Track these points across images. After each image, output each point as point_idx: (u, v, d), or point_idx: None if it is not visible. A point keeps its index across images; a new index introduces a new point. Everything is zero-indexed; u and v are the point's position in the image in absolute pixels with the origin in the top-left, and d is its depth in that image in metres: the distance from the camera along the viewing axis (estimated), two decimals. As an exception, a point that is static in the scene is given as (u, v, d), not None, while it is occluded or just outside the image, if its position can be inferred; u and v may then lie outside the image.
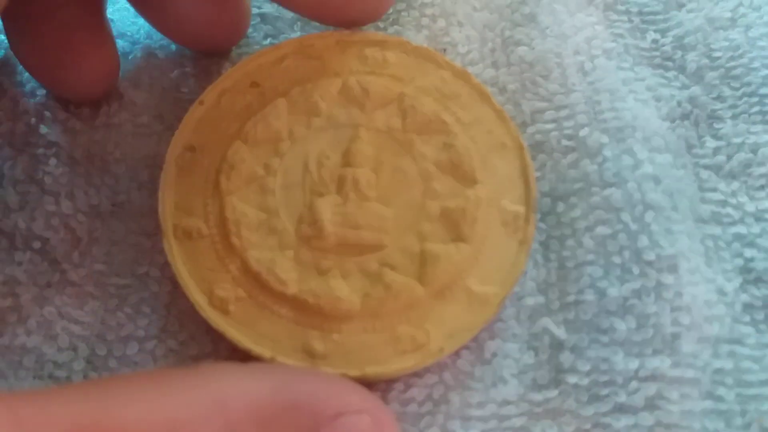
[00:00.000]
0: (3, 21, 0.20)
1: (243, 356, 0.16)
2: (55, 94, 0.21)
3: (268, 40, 0.22)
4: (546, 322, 0.18)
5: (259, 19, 0.22)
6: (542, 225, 0.19)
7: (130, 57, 0.22)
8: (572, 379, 0.17)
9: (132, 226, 0.19)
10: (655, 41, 0.22)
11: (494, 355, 0.18)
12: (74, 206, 0.19)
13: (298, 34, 0.22)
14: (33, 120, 0.20)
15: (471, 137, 0.19)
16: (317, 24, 0.22)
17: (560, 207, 0.19)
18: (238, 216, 0.18)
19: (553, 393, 0.17)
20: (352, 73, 0.20)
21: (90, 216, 0.19)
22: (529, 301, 0.18)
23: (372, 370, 0.16)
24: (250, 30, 0.22)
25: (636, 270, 0.18)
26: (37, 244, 0.19)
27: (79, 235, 0.19)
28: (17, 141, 0.20)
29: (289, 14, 0.22)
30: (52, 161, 0.20)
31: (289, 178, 0.18)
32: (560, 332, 0.18)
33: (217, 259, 0.17)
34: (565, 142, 0.20)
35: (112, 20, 0.21)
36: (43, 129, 0.20)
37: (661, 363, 0.17)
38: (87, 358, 0.18)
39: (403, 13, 0.22)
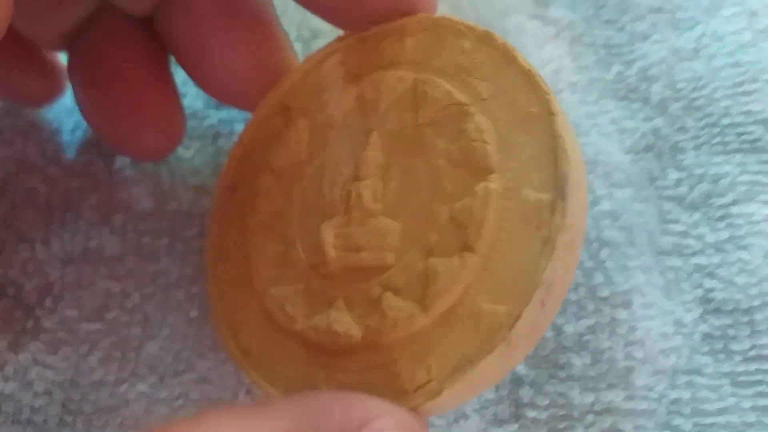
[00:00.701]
0: (69, 75, 0.21)
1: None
2: (118, 151, 0.22)
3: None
4: None
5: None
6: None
7: None
8: (531, 413, 0.18)
9: (102, 271, 0.20)
10: (619, 73, 0.23)
11: (455, 392, 0.18)
12: (48, 252, 0.20)
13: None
14: (12, 168, 0.22)
15: (490, 114, 0.16)
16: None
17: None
18: (259, 252, 0.17)
19: (513, 427, 0.18)
20: (367, 73, 0.18)
21: (63, 261, 0.20)
22: (490, 337, 0.19)
23: None
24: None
25: (591, 306, 0.19)
26: (11, 291, 0.20)
27: (51, 280, 0.20)
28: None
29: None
30: (29, 208, 0.21)
31: (306, 204, 0.17)
32: (520, 368, 0.19)
33: (242, 299, 0.17)
34: None
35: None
36: (22, 177, 0.21)
37: (615, 396, 0.18)
38: (62, 402, 0.19)
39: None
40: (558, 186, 0.14)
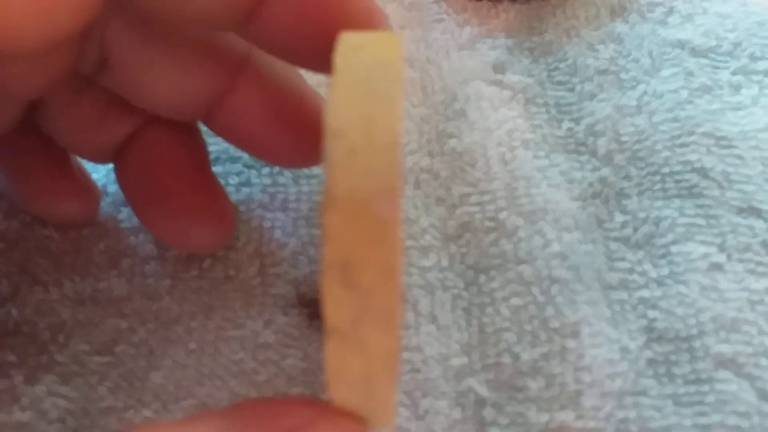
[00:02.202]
0: (118, 182, 0.23)
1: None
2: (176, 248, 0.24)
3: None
4: (471, 382, 0.22)
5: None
6: (465, 293, 0.23)
7: None
8: (494, 431, 0.21)
9: (111, 310, 0.23)
10: (570, 129, 0.26)
11: (427, 411, 0.21)
12: (61, 293, 0.23)
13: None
14: (28, 219, 0.25)
15: None
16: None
17: (482, 279, 0.23)
18: None
19: (475, 444, 0.21)
20: None
21: (74, 302, 0.23)
22: (455, 361, 0.22)
23: None
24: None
25: (544, 336, 0.22)
26: (26, 329, 0.22)
27: (64, 318, 0.23)
28: (11, 237, 0.24)
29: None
30: (43, 254, 0.24)
31: None
32: (483, 390, 0.21)
33: None
34: (487, 223, 0.24)
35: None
36: (37, 227, 0.24)
37: (566, 416, 0.21)
38: (74, 428, 0.21)
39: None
40: None
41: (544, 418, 0.21)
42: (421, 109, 0.27)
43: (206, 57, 0.21)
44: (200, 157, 0.23)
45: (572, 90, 0.27)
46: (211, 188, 0.23)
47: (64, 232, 0.24)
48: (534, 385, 0.21)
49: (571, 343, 0.22)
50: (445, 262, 0.24)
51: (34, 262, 0.24)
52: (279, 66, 0.22)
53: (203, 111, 0.22)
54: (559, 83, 0.27)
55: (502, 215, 0.24)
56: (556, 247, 0.23)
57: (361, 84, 0.15)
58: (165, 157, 0.22)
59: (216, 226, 0.23)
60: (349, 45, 0.16)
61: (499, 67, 0.28)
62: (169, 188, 0.22)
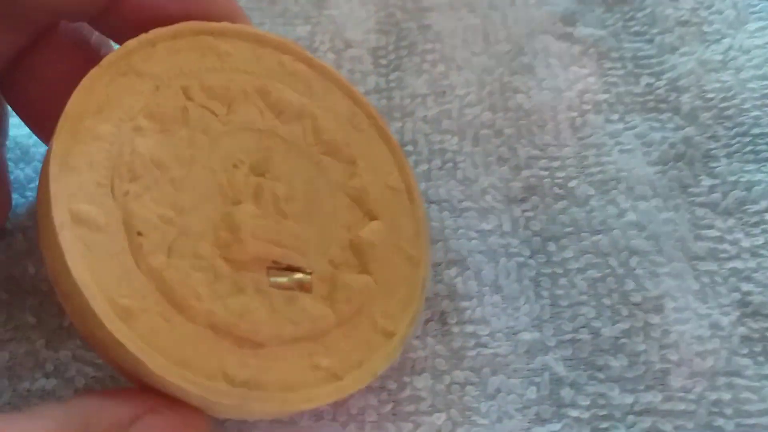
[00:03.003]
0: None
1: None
2: None
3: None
4: (546, 359, 0.20)
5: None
6: (532, 262, 0.21)
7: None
8: (573, 413, 0.19)
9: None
10: (649, 85, 0.24)
11: (498, 390, 0.19)
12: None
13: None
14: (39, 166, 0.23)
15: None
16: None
17: (551, 247, 0.22)
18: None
19: (556, 426, 0.19)
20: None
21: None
22: (526, 336, 0.20)
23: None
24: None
25: (625, 311, 0.20)
26: (45, 287, 0.21)
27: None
28: (23, 187, 0.23)
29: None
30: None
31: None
32: (560, 369, 0.20)
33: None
34: (556, 190, 0.23)
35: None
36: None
37: (653, 398, 0.19)
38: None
39: (404, 59, 0.25)
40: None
41: (629, 399, 0.19)
42: (482, 58, 0.25)
43: (10, 14, 0.19)
44: None
45: (651, 42, 0.25)
46: None
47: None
48: (616, 363, 0.20)
49: (654, 319, 0.20)
50: (507, 227, 0.22)
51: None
52: (93, 40, 0.20)
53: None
54: (637, 34, 0.25)
55: (572, 183, 0.22)
56: (631, 216, 0.22)
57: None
58: None
59: None
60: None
61: (569, 18, 0.26)
62: None
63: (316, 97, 0.20)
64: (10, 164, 0.23)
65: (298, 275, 0.18)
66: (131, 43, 0.18)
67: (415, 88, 0.24)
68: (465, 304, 0.21)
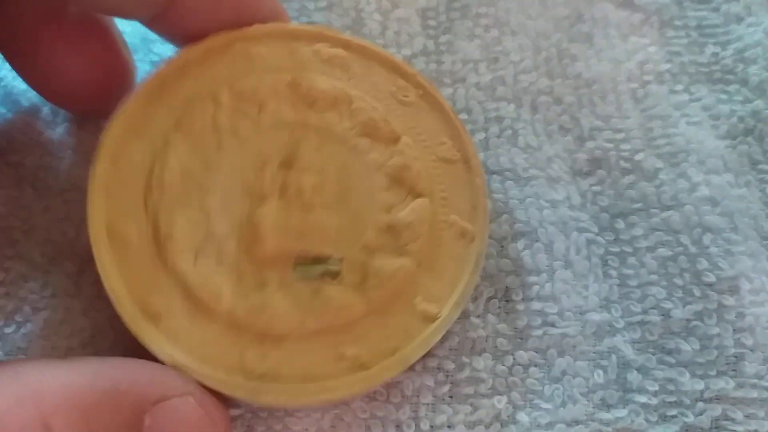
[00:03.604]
0: None
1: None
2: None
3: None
4: (615, 341, 0.19)
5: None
6: (600, 239, 0.21)
7: None
8: (641, 398, 0.19)
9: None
10: (714, 54, 0.24)
11: (564, 373, 0.19)
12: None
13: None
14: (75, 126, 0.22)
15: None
16: (365, 32, 0.23)
17: (619, 224, 0.21)
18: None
19: (622, 412, 0.18)
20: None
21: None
22: (594, 317, 0.19)
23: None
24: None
25: (697, 292, 0.20)
26: (84, 253, 0.19)
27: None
28: (55, 149, 0.21)
29: (337, 22, 0.23)
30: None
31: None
32: (628, 352, 0.19)
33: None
34: (623, 164, 0.22)
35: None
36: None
37: (725, 384, 0.19)
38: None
39: (456, 22, 0.24)
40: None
41: (699, 385, 0.19)
42: (539, 22, 0.24)
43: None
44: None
45: (716, 10, 0.24)
46: (97, 28, 0.20)
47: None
48: (687, 347, 0.19)
49: (729, 301, 0.19)
50: (576, 200, 0.21)
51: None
52: None
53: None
54: (701, 2, 0.25)
55: (639, 156, 0.22)
56: (704, 191, 0.21)
57: None
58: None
59: (103, 62, 0.20)
60: None
61: (630, -15, 0.25)
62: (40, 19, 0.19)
63: (355, 79, 0.20)
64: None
65: (325, 266, 0.18)
66: (163, 69, 0.19)
67: (467, 53, 0.23)
68: (533, 279, 0.20)
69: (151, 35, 0.20)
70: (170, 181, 0.18)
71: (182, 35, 0.20)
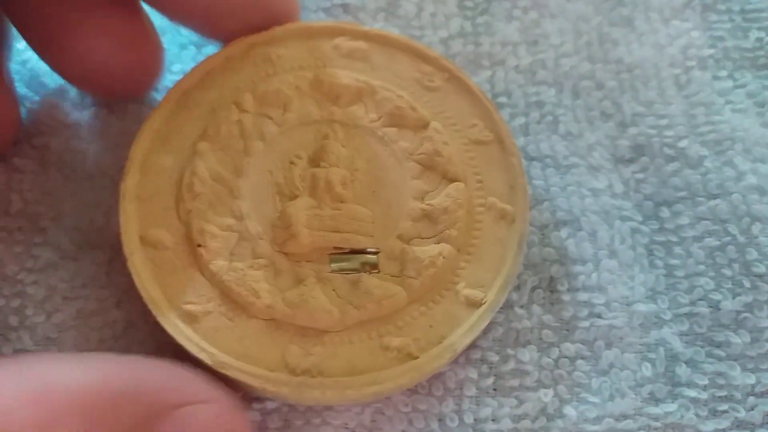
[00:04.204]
0: (24, 37, 0.20)
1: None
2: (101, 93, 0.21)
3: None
4: (663, 333, 0.19)
5: (341, 10, 0.23)
6: (644, 228, 0.20)
7: None
8: (690, 392, 0.18)
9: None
10: (759, 40, 0.23)
11: (611, 366, 0.19)
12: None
13: (381, 24, 0.23)
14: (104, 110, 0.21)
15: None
16: (401, 14, 0.22)
17: (664, 212, 0.20)
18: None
19: (671, 407, 0.18)
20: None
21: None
22: (641, 308, 0.19)
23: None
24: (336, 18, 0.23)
25: (747, 283, 0.19)
26: (114, 241, 0.19)
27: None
28: (83, 133, 0.21)
29: (372, 4, 0.23)
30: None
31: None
32: (676, 344, 0.19)
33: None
34: (666, 150, 0.21)
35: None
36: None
37: (777, 378, 0.18)
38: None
39: (494, 3, 0.23)
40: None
41: (750, 379, 0.18)
42: (578, 5, 0.24)
43: None
44: None
45: (760, -5, 0.24)
46: (124, 10, 0.20)
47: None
48: (737, 340, 0.19)
49: (780, 292, 0.19)
50: (618, 188, 0.21)
51: (116, 164, 0.20)
52: None
53: None
54: (745, -15, 0.24)
55: (682, 144, 0.21)
56: (752, 179, 0.21)
57: None
58: None
59: (131, 45, 0.20)
60: None
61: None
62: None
63: (377, 70, 0.21)
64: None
65: (362, 257, 0.18)
66: (186, 79, 0.20)
67: (506, 35, 0.23)
68: (578, 268, 0.19)
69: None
70: (200, 189, 0.18)
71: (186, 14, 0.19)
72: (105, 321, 0.18)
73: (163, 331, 0.17)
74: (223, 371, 0.17)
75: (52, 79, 0.21)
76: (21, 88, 0.21)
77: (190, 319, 0.17)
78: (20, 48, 0.21)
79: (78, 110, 0.21)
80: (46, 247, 0.19)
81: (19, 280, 0.19)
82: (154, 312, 0.17)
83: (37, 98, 0.21)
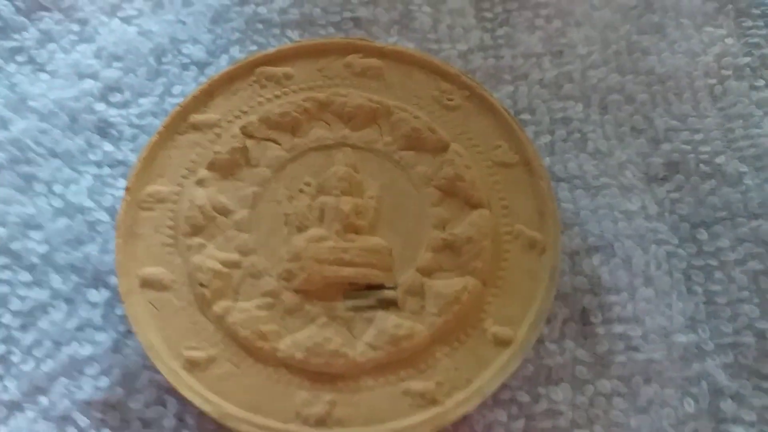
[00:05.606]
0: None
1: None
2: None
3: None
4: (705, 366, 0.18)
5: (352, 24, 0.23)
6: (681, 251, 0.20)
7: None
8: (737, 430, 0.18)
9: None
10: (797, 46, 0.23)
11: (650, 402, 0.18)
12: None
13: (395, 39, 0.22)
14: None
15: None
16: (416, 27, 0.22)
17: (701, 235, 0.20)
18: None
19: (717, 447, 0.18)
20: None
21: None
22: (680, 339, 0.19)
23: None
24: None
25: (795, 311, 0.19)
26: (112, 279, 0.19)
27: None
28: (74, 162, 0.20)
29: (385, 17, 0.23)
30: (120, 182, 0.20)
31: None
32: (720, 378, 0.18)
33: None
34: (702, 167, 0.21)
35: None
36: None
37: (833, 414, 0.18)
38: (177, 414, 0.17)
39: (514, 13, 0.23)
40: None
41: (802, 415, 0.18)
42: (605, 12, 0.23)
43: None
44: None
45: (796, -3, 0.24)
46: None
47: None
48: (787, 372, 0.18)
49: (832, 320, 0.19)
50: (652, 209, 0.20)
51: (110, 195, 0.19)
52: None
53: None
54: (779, -11, 0.24)
55: (719, 159, 0.21)
56: (799, 197, 0.20)
57: None
58: None
59: None
60: None
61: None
62: None
63: (392, 89, 0.20)
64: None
65: (379, 293, 0.18)
66: (187, 100, 0.20)
67: (528, 47, 0.22)
68: (613, 298, 0.19)
69: (181, 35, 0.20)
70: (203, 222, 0.18)
71: None
72: (101, 368, 0.18)
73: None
74: (230, 425, 0.16)
75: (41, 103, 0.21)
76: (6, 112, 0.21)
77: (193, 366, 0.17)
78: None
79: (69, 137, 0.21)
80: (36, 287, 0.19)
81: (4, 324, 0.18)
82: (153, 360, 0.16)
83: (23, 123, 0.21)
